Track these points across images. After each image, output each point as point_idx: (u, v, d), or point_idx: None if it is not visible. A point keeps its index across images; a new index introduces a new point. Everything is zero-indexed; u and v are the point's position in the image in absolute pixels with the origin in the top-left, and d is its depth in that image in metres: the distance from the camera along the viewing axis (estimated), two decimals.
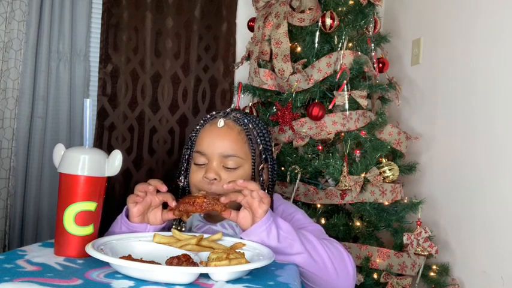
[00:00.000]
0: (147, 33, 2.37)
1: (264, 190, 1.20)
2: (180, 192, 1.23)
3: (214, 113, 1.22)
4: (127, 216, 1.06)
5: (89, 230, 0.92)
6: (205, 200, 0.98)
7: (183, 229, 1.20)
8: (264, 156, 1.20)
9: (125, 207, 1.07)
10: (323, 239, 1.09)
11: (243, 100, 2.01)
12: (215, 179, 1.12)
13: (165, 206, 1.06)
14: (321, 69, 1.80)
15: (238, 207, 1.02)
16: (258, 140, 1.19)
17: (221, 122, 1.16)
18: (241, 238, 1.00)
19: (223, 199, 0.98)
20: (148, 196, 1.02)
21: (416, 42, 2.22)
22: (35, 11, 2.20)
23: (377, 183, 1.73)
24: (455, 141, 1.93)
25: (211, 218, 1.21)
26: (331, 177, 1.79)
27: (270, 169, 1.22)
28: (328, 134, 1.78)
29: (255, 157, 1.17)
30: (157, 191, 1.04)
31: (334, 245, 1.08)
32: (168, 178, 2.39)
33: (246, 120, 1.19)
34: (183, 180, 1.21)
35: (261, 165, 1.19)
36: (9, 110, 2.16)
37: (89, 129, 0.96)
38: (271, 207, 1.21)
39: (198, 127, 1.21)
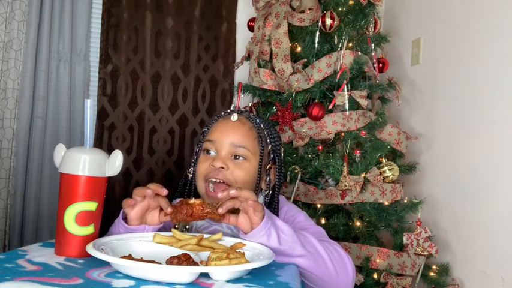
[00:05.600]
0: (147, 33, 2.37)
1: (270, 190, 1.22)
2: (188, 184, 1.24)
3: (228, 110, 1.27)
4: (124, 219, 1.05)
5: (89, 230, 0.92)
6: (202, 209, 0.98)
7: (187, 226, 1.21)
8: (272, 156, 1.23)
9: (121, 211, 1.07)
10: (322, 240, 1.10)
11: (243, 100, 2.01)
12: (222, 167, 1.15)
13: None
14: (321, 69, 1.80)
15: (235, 210, 1.02)
16: (268, 140, 1.23)
17: (235, 116, 1.21)
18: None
19: (220, 211, 0.98)
20: (146, 200, 1.01)
21: (416, 42, 2.22)
22: (35, 11, 2.20)
23: (377, 183, 1.73)
24: (455, 141, 1.93)
25: None
26: (331, 177, 1.79)
27: (277, 170, 1.24)
28: (328, 134, 1.78)
29: (263, 155, 1.20)
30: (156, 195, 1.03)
31: (334, 247, 1.09)
32: (168, 178, 2.40)
33: (258, 120, 1.24)
34: (192, 171, 1.24)
35: (269, 165, 1.22)
36: (9, 110, 2.16)
37: (90, 129, 0.96)
38: (277, 210, 1.21)
39: (211, 122, 1.25)
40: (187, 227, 1.21)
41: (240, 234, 1.01)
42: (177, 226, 1.19)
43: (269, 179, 1.22)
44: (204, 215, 0.98)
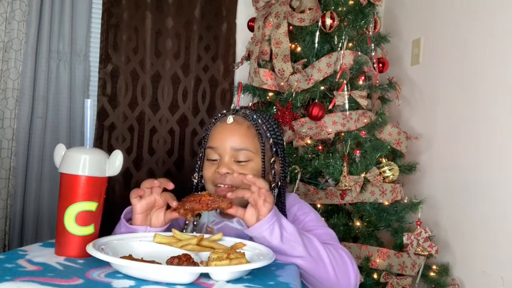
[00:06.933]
0: (147, 33, 2.37)
1: (277, 182, 1.23)
2: (194, 189, 1.25)
3: (224, 111, 1.26)
4: (127, 219, 1.06)
5: (89, 230, 0.92)
6: (210, 197, 0.99)
7: (195, 223, 1.22)
8: (274, 149, 1.23)
9: (125, 210, 1.07)
10: (329, 244, 1.09)
11: (243, 100, 2.01)
12: (228, 172, 1.15)
13: (168, 207, 1.06)
14: (321, 69, 1.80)
15: (244, 205, 1.03)
16: (268, 134, 1.22)
17: (230, 119, 1.20)
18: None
19: (229, 194, 1.00)
20: (154, 195, 1.03)
21: (416, 42, 2.22)
22: (35, 11, 2.20)
23: (377, 183, 1.73)
24: (455, 141, 1.93)
25: (227, 214, 1.22)
26: (331, 177, 1.79)
27: (281, 162, 1.25)
28: (328, 134, 1.78)
29: (265, 151, 1.20)
30: (163, 191, 1.04)
31: (339, 252, 1.08)
32: (168, 178, 2.38)
33: (255, 116, 1.22)
34: (197, 177, 1.24)
35: (273, 158, 1.22)
36: (9, 110, 2.16)
37: (90, 129, 0.96)
38: (283, 201, 1.22)
39: (209, 126, 1.25)
40: (195, 223, 1.21)
41: (244, 229, 1.01)
42: (187, 223, 1.20)
43: (274, 172, 1.22)
44: (212, 203, 0.99)
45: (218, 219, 1.22)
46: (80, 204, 0.91)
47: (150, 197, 1.02)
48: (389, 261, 1.72)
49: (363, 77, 1.88)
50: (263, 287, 0.79)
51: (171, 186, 1.02)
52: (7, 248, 2.15)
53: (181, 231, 0.99)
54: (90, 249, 0.82)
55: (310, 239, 1.03)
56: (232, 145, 1.17)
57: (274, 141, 1.23)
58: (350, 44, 1.89)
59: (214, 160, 1.19)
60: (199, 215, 1.25)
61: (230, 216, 1.21)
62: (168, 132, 2.40)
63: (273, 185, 1.22)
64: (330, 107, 1.78)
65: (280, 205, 1.20)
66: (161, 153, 2.39)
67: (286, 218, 1.16)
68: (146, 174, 2.36)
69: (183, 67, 2.42)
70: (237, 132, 1.18)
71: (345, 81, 1.79)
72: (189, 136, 2.42)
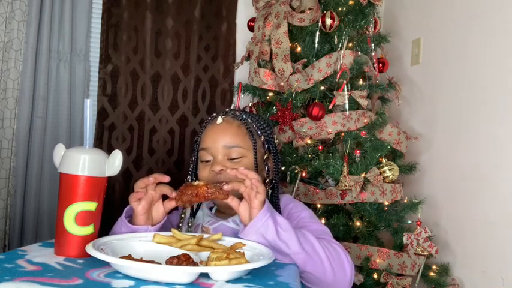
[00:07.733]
0: (147, 33, 2.37)
1: (271, 179, 1.25)
2: None
3: (214, 114, 1.29)
4: (128, 218, 1.07)
5: (89, 230, 0.93)
6: (207, 189, 1.00)
7: (190, 224, 1.23)
8: (266, 146, 1.25)
9: (125, 208, 1.08)
10: (322, 238, 1.10)
11: (243, 100, 2.01)
12: (222, 169, 1.17)
13: (164, 197, 1.07)
14: (321, 69, 1.80)
15: (239, 196, 1.04)
16: (259, 132, 1.24)
17: (219, 119, 1.23)
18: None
19: (226, 187, 1.02)
20: (150, 192, 1.04)
21: (416, 42, 2.22)
22: (35, 11, 2.20)
23: (377, 183, 1.73)
24: (455, 141, 1.93)
25: (222, 213, 1.24)
26: (331, 177, 1.79)
27: (273, 159, 1.27)
28: (328, 134, 1.78)
29: (257, 147, 1.21)
30: (157, 185, 1.05)
31: (332, 245, 1.09)
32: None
33: (244, 116, 1.25)
34: (190, 179, 1.26)
35: (266, 155, 1.24)
36: (9, 110, 2.16)
37: (89, 129, 0.96)
38: (277, 198, 1.23)
39: (201, 129, 1.27)
40: (189, 224, 1.22)
41: (240, 233, 1.01)
42: (181, 224, 1.20)
43: (268, 168, 1.24)
44: (209, 195, 1.01)
45: (214, 219, 1.23)
46: (79, 204, 0.91)
47: (147, 196, 1.04)
48: (389, 261, 1.72)
49: (363, 77, 1.88)
50: (263, 287, 0.79)
51: (166, 179, 1.03)
52: (7, 248, 2.15)
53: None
54: (90, 249, 0.83)
55: (305, 234, 1.04)
56: (224, 143, 1.19)
57: (266, 139, 1.25)
58: (350, 44, 1.89)
59: (208, 161, 1.21)
60: (195, 211, 1.26)
61: (225, 216, 1.22)
62: (168, 132, 2.40)
63: (267, 181, 1.23)
64: (330, 107, 1.78)
65: (275, 200, 1.21)
66: (161, 153, 2.39)
67: (281, 214, 1.17)
68: (146, 174, 2.32)
69: (183, 67, 2.42)
70: (227, 131, 1.21)
71: (345, 81, 1.79)
72: (189, 136, 2.42)
